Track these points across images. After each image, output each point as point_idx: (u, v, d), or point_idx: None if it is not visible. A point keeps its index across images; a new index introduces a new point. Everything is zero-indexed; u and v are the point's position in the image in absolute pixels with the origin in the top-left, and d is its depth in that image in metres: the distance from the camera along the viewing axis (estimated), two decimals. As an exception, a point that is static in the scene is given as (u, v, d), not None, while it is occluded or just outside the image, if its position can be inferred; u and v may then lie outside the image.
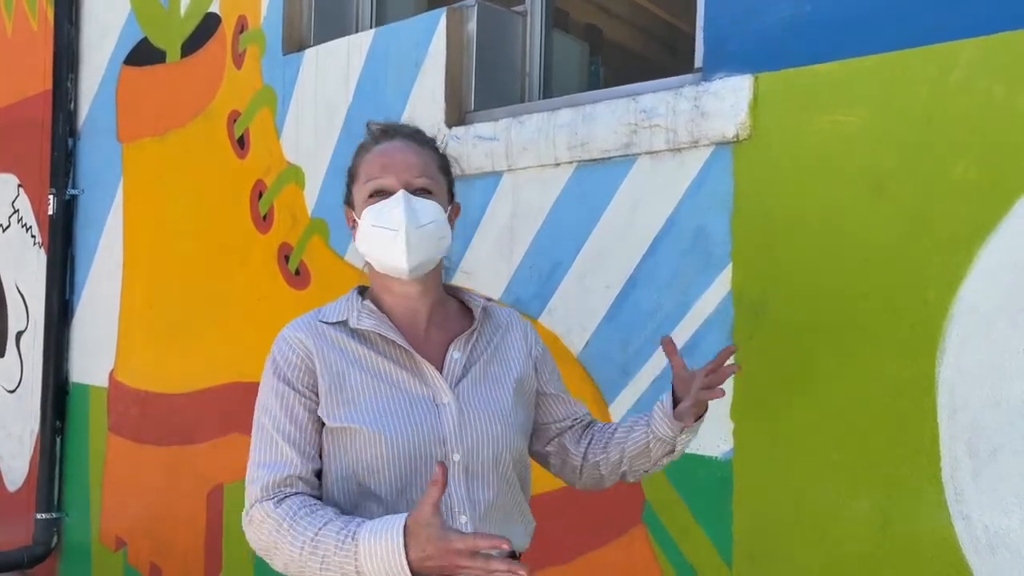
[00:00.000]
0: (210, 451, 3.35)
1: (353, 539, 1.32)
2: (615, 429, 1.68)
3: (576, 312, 2.30)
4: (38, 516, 4.03)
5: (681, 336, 2.10)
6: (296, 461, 1.45)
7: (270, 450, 1.47)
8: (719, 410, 2.03)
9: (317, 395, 1.49)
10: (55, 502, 4.06)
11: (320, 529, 1.35)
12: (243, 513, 1.46)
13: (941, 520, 1.73)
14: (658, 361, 2.14)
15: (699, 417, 1.62)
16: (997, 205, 1.68)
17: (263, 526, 1.40)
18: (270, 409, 1.49)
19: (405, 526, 1.28)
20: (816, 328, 1.90)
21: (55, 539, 4.07)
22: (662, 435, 1.59)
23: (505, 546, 1.23)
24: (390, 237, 1.48)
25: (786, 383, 1.94)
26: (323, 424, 1.50)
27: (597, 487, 1.72)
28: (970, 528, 1.70)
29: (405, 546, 1.27)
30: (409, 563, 1.27)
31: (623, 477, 1.68)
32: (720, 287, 2.04)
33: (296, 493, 1.43)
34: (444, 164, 1.62)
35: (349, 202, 1.62)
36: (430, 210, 1.51)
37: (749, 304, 2.00)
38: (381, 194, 1.52)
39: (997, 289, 1.68)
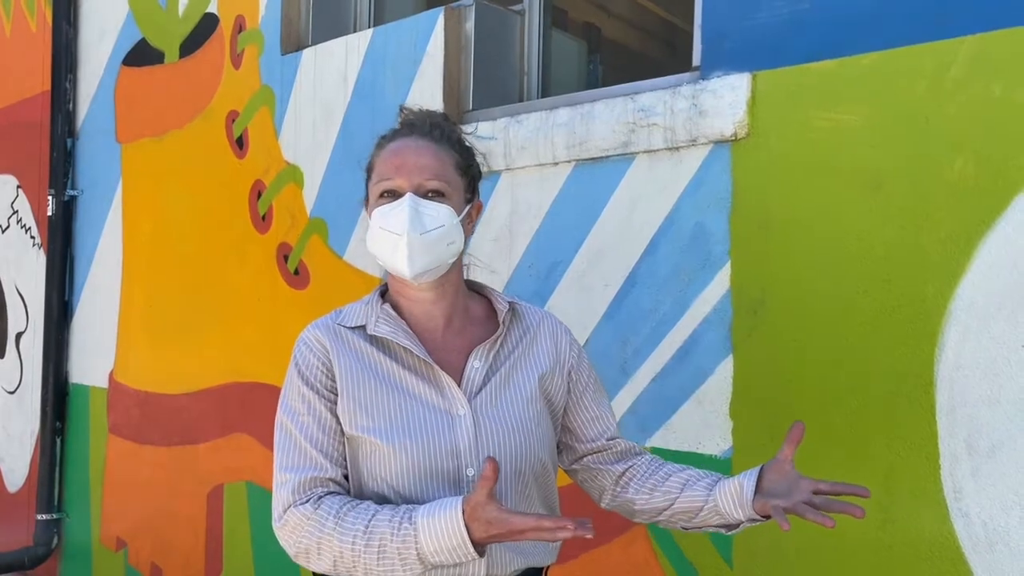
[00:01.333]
0: (210, 451, 3.35)
1: (411, 522, 1.33)
2: (668, 474, 1.57)
3: (575, 311, 2.30)
4: (39, 517, 4.03)
5: (680, 334, 2.10)
6: (324, 464, 1.44)
7: (297, 454, 1.45)
8: (718, 408, 2.03)
9: (331, 391, 1.47)
10: (55, 503, 4.06)
11: (370, 520, 1.35)
12: (274, 519, 1.43)
13: (940, 517, 1.73)
14: (657, 359, 2.15)
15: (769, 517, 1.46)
16: (995, 202, 1.69)
17: (302, 528, 1.39)
18: (295, 412, 1.47)
19: (463, 510, 1.30)
20: (814, 326, 1.90)
21: (56, 540, 4.07)
22: (726, 513, 1.47)
23: (580, 532, 1.23)
24: (393, 242, 1.45)
25: (784, 381, 1.94)
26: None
27: (625, 516, 1.64)
28: (969, 525, 1.70)
29: (467, 525, 1.29)
30: (472, 539, 1.29)
31: (658, 523, 1.59)
32: (719, 285, 2.04)
33: (330, 493, 1.43)
34: (464, 162, 1.56)
35: (366, 200, 1.56)
36: (438, 215, 1.46)
37: (747, 302, 2.00)
38: (391, 195, 1.48)
39: (995, 286, 1.68)
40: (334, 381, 1.47)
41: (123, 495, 3.79)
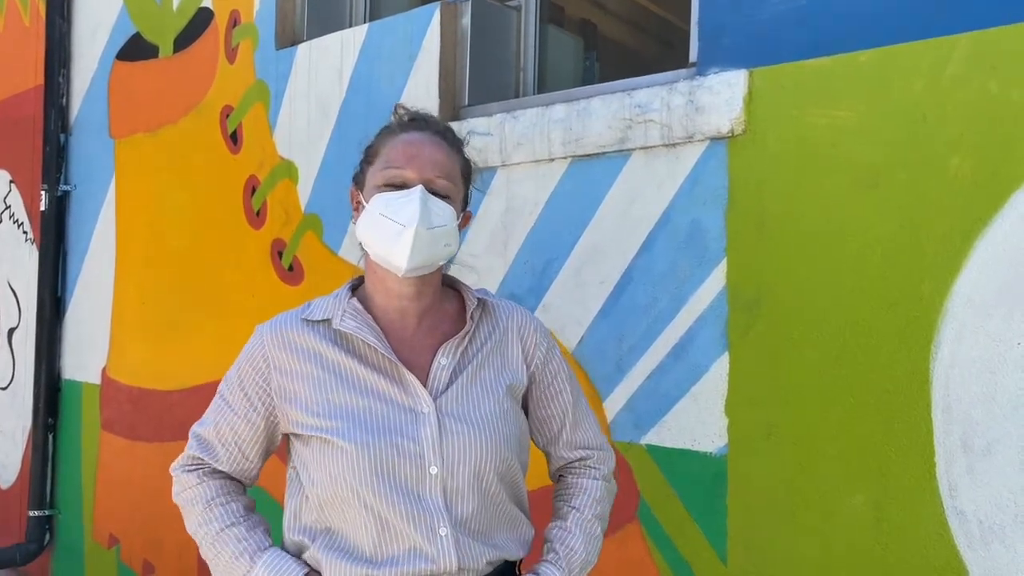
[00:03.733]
0: (203, 448, 3.34)
1: (251, 560, 1.46)
2: (554, 519, 1.62)
3: (571, 307, 2.29)
4: (31, 513, 4.02)
5: (676, 331, 2.10)
6: (220, 455, 1.54)
7: (212, 425, 1.55)
8: (714, 405, 2.03)
9: (267, 407, 1.50)
10: (48, 499, 4.05)
11: (224, 528, 1.50)
12: (173, 464, 1.59)
13: (935, 515, 1.73)
14: (653, 356, 2.14)
15: None
16: (992, 199, 1.68)
17: (184, 494, 1.56)
18: (230, 394, 1.53)
19: None
20: (810, 323, 1.90)
21: (48, 536, 4.05)
22: None
23: None
24: (396, 231, 1.41)
25: (780, 378, 1.94)
26: (268, 435, 1.53)
27: None
28: (964, 523, 1.70)
29: None
30: None
31: None
32: (715, 282, 2.04)
33: (213, 472, 1.55)
34: (467, 170, 1.56)
35: (359, 181, 1.54)
36: (443, 213, 1.45)
37: (743, 299, 1.99)
38: (398, 185, 1.45)
39: (992, 283, 1.68)
40: (267, 392, 1.49)
41: (116, 492, 3.78)
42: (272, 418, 1.51)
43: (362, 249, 1.55)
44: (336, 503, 1.43)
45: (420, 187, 1.43)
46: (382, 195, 1.45)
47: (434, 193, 1.45)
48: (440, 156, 1.49)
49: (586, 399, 1.69)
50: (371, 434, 1.42)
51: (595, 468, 1.64)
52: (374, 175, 1.49)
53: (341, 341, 1.49)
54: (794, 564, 1.92)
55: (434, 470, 1.42)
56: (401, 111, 1.58)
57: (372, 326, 1.48)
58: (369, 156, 1.53)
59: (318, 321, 1.50)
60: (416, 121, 1.54)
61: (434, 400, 1.45)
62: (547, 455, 1.66)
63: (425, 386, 1.46)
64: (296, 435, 1.50)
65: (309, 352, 1.48)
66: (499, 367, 1.54)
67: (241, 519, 1.51)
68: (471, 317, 1.53)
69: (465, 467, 1.44)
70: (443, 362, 1.49)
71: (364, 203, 1.49)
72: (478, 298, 1.57)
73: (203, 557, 1.52)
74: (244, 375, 1.51)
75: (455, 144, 1.54)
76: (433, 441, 1.43)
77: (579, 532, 1.57)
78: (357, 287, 1.57)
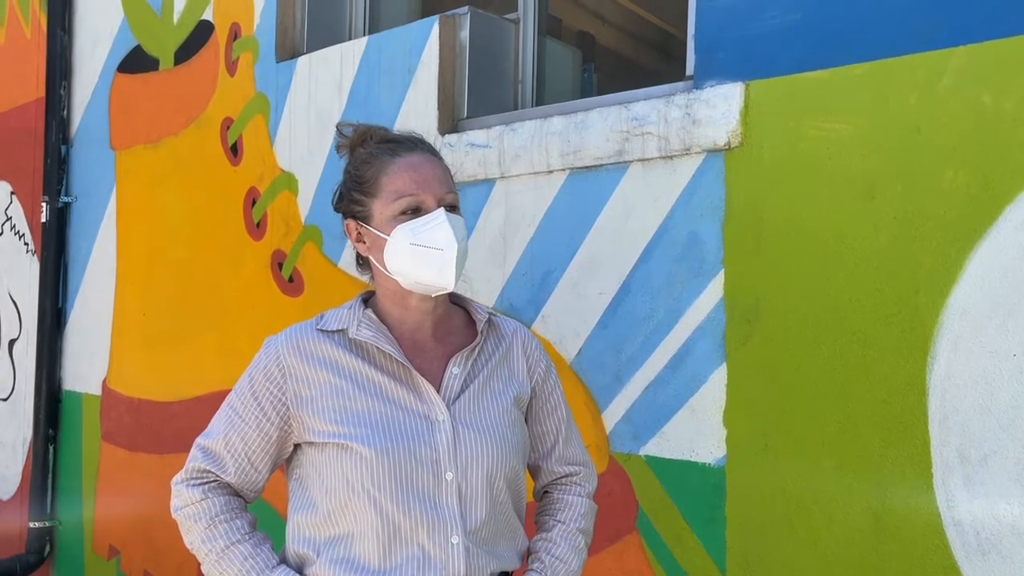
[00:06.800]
0: (204, 459, 3.34)
1: None
2: (539, 528, 1.66)
3: (569, 319, 2.30)
4: (31, 524, 4.01)
5: (674, 343, 2.11)
6: (228, 466, 1.52)
7: (221, 436, 1.53)
8: (712, 416, 2.04)
9: (281, 417, 1.50)
10: (48, 510, 4.04)
11: (230, 545, 1.49)
12: (175, 478, 1.56)
13: (933, 525, 1.74)
14: (651, 368, 2.15)
15: None
16: (987, 211, 1.69)
17: (186, 509, 1.52)
18: (241, 405, 1.52)
19: None
20: (808, 334, 1.91)
21: (48, 548, 4.05)
22: None
23: None
24: (435, 256, 1.46)
25: (778, 389, 1.95)
26: (279, 446, 1.52)
27: None
28: (961, 533, 1.71)
29: None
30: None
31: None
32: (712, 293, 2.05)
33: (218, 486, 1.53)
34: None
35: (353, 214, 1.55)
36: (463, 226, 1.52)
37: (741, 310, 2.00)
38: (414, 211, 1.48)
39: (987, 294, 1.69)
40: (283, 403, 1.50)
41: (116, 503, 3.78)
42: (285, 428, 1.51)
43: (363, 270, 1.61)
44: (348, 510, 1.45)
45: (442, 209, 1.48)
46: (405, 225, 1.48)
47: (448, 209, 1.50)
48: (440, 171, 1.53)
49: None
50: (390, 440, 1.44)
51: (580, 485, 1.68)
52: (385, 206, 1.50)
53: (356, 350, 1.52)
54: (792, 574, 1.92)
55: (449, 476, 1.46)
56: (344, 129, 1.59)
57: (388, 335, 1.52)
58: (367, 188, 1.53)
59: (333, 331, 1.53)
60: (402, 143, 1.55)
61: (448, 408, 1.49)
62: (536, 470, 1.69)
63: (438, 393, 1.50)
64: (310, 443, 1.51)
65: (325, 360, 1.50)
66: (506, 379, 1.59)
67: (247, 536, 1.51)
68: (481, 332, 1.58)
69: (478, 473, 1.48)
70: (455, 371, 1.53)
71: (380, 235, 1.50)
72: (487, 312, 1.62)
73: (206, 574, 1.51)
74: (257, 385, 1.52)
75: (438, 154, 1.59)
76: (448, 447, 1.47)
77: (565, 543, 1.61)
78: (368, 299, 1.60)
